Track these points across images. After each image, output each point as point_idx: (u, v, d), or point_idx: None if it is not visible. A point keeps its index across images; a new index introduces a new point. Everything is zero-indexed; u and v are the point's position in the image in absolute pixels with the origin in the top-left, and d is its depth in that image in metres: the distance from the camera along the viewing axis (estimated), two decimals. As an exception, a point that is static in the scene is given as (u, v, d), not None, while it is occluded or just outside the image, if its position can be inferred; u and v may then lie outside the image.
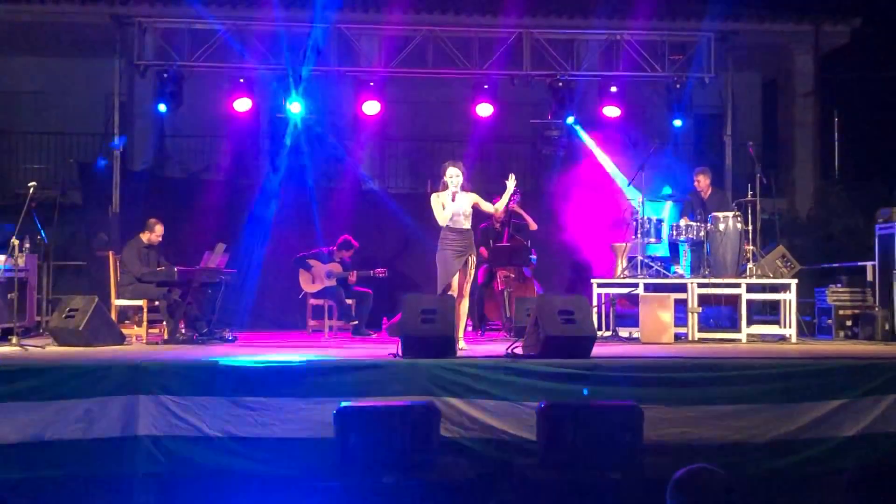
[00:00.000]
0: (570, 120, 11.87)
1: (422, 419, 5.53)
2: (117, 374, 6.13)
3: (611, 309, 9.72)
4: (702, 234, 9.51)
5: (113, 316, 8.84)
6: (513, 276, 10.29)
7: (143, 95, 13.11)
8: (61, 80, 15.20)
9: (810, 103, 14.87)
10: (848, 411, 6.38)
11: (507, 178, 8.20)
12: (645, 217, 9.66)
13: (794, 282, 9.32)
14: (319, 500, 5.29)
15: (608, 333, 9.48)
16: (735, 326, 9.40)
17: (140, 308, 8.99)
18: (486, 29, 12.38)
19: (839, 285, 10.26)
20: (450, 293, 7.74)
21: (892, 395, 6.41)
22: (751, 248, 9.65)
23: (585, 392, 5.45)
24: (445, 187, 7.96)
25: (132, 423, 6.05)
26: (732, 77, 12.40)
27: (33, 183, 8.55)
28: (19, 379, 6.06)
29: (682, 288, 9.20)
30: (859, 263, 10.47)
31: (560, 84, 11.66)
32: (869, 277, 10.10)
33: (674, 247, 10.15)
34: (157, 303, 8.92)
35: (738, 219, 9.48)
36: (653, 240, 9.78)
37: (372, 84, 11.58)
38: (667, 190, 11.18)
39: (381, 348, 7.61)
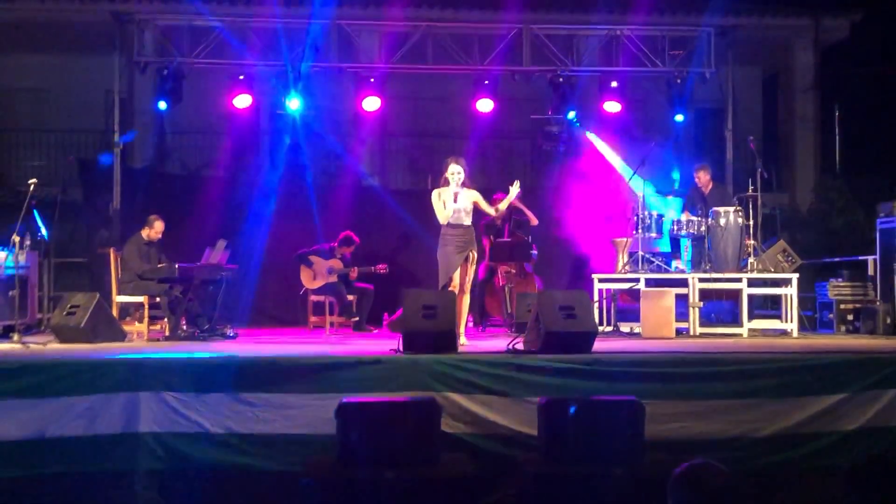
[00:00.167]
0: (572, 115, 11.86)
1: (423, 415, 5.53)
2: (119, 371, 6.14)
3: (612, 304, 9.72)
4: (703, 228, 9.50)
5: (114, 312, 8.84)
6: (514, 271, 10.30)
7: (143, 92, 13.10)
8: (61, 77, 15.20)
9: (811, 97, 14.86)
10: (849, 406, 6.37)
11: (512, 183, 8.20)
12: (646, 212, 9.66)
13: (795, 276, 9.32)
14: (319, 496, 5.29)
15: (609, 328, 9.48)
16: (736, 321, 9.40)
17: (141, 305, 8.99)
18: (485, 24, 12.38)
19: (840, 280, 10.26)
20: (451, 289, 7.73)
21: (893, 390, 6.41)
22: (752, 242, 9.65)
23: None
24: (447, 183, 7.95)
25: (134, 420, 6.05)
26: (733, 72, 12.38)
27: (34, 180, 8.54)
28: (21, 376, 6.06)
29: (683, 283, 9.20)
30: (860, 258, 10.48)
31: (560, 80, 11.64)
32: (870, 272, 10.11)
33: (675, 242, 10.15)
34: (158, 299, 8.92)
35: (739, 213, 9.48)
36: (654, 234, 9.78)
37: (372, 80, 11.56)
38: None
39: (383, 344, 7.61)
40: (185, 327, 9.00)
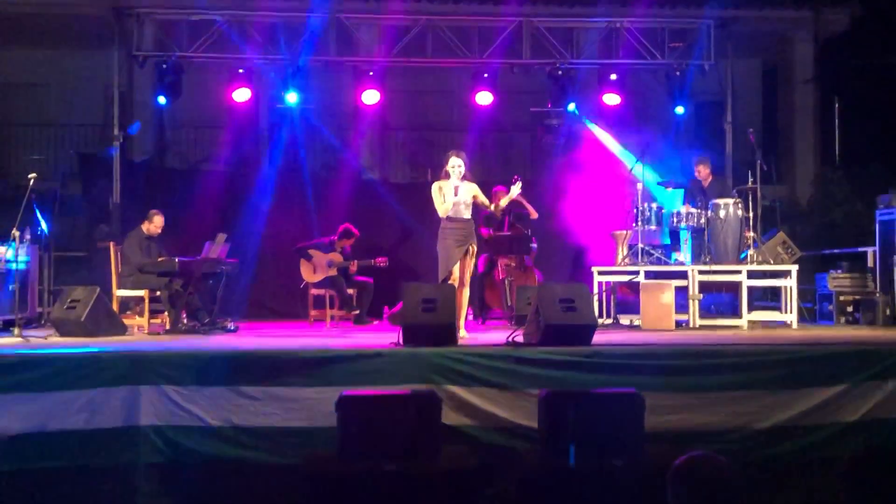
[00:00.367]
0: (572, 107, 11.86)
1: (423, 408, 5.52)
2: (119, 365, 6.14)
3: (611, 296, 9.73)
4: (702, 221, 9.51)
5: (114, 306, 8.85)
6: (514, 264, 10.30)
7: (142, 86, 13.11)
8: (61, 71, 15.18)
9: (810, 90, 14.84)
10: (849, 397, 6.38)
11: (512, 177, 8.19)
12: (645, 204, 9.66)
13: (794, 268, 9.32)
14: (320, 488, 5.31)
15: (609, 321, 9.49)
16: (736, 313, 9.41)
17: (141, 298, 9.00)
18: (485, 17, 12.36)
19: (840, 271, 10.27)
20: (450, 282, 7.74)
21: (893, 381, 6.41)
22: (751, 234, 9.65)
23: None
24: (447, 176, 7.94)
25: (134, 414, 6.05)
26: (732, 64, 12.38)
27: (33, 174, 8.54)
28: (21, 370, 6.06)
29: (682, 275, 9.21)
30: (860, 249, 10.49)
31: (560, 72, 11.64)
32: (870, 263, 10.12)
33: (674, 234, 10.15)
34: (158, 293, 8.93)
35: (739, 206, 9.48)
36: (653, 227, 9.78)
37: (371, 73, 11.56)
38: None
39: (383, 337, 7.62)
40: (185, 321, 9.01)
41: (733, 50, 12.25)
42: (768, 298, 10.75)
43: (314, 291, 10.26)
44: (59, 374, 6.06)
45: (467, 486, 5.40)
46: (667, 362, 6.42)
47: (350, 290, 10.30)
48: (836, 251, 11.14)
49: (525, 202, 10.36)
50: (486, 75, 11.61)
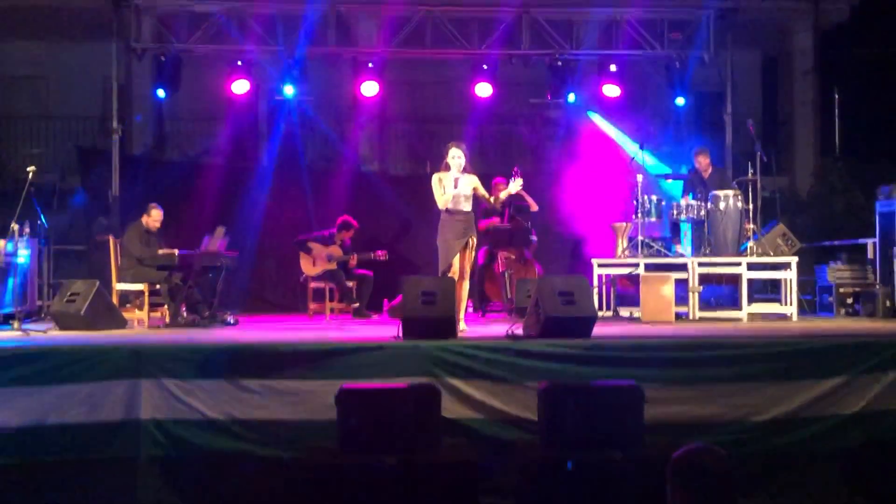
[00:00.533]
0: (572, 97, 11.84)
1: (423, 400, 5.53)
2: (119, 358, 6.14)
3: (611, 289, 9.73)
4: (702, 213, 9.49)
5: (114, 300, 8.84)
6: (513, 257, 10.29)
7: (141, 79, 13.10)
8: (59, 64, 15.16)
9: (810, 80, 14.82)
10: (849, 389, 6.37)
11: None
12: (645, 196, 9.65)
13: (794, 260, 9.32)
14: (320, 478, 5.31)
15: (609, 313, 9.50)
16: (736, 305, 9.40)
17: (141, 292, 9.00)
18: (484, 8, 12.32)
19: (840, 263, 10.27)
20: (450, 275, 7.73)
21: (893, 373, 6.40)
22: (751, 226, 9.64)
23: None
24: (447, 168, 7.91)
25: (135, 407, 6.06)
26: (732, 55, 12.35)
27: (32, 168, 8.53)
28: (21, 364, 6.07)
29: (682, 267, 9.20)
30: (860, 241, 10.48)
31: (559, 63, 11.62)
32: (870, 255, 10.12)
33: (674, 226, 10.14)
34: (158, 286, 8.93)
35: (739, 197, 9.47)
36: (653, 219, 9.78)
37: (370, 65, 11.54)
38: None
39: (382, 330, 7.62)
40: (185, 314, 9.01)
41: (733, 41, 12.22)
42: (768, 290, 10.75)
43: (314, 284, 10.26)
44: (58, 368, 6.06)
45: (467, 478, 5.41)
46: (666, 355, 6.42)
47: (350, 284, 10.30)
48: (836, 243, 11.13)
49: (525, 195, 10.33)
50: (485, 67, 11.59)
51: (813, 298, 10.61)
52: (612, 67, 11.75)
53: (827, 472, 6.27)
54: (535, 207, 10.41)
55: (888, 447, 6.27)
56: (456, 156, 7.83)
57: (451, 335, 6.79)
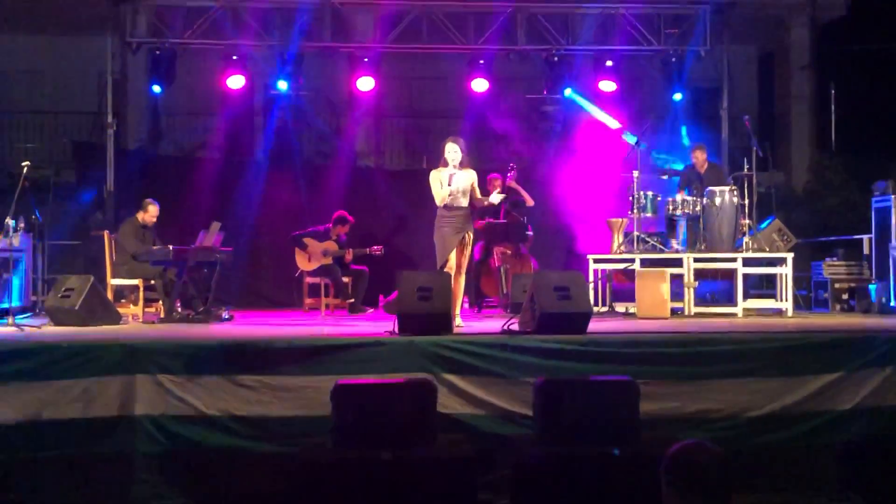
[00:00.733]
0: (568, 92, 11.82)
1: (418, 396, 5.52)
2: (114, 354, 6.12)
3: (607, 284, 9.73)
4: (698, 208, 9.49)
5: (109, 295, 8.83)
6: (509, 252, 10.29)
7: (136, 73, 13.05)
8: (54, 58, 15.13)
9: (807, 76, 14.81)
10: (844, 384, 6.37)
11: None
12: (641, 192, 9.65)
13: (790, 255, 9.33)
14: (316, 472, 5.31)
15: (604, 309, 9.50)
16: (731, 301, 9.41)
17: (136, 287, 8.97)
18: (480, 3, 12.28)
19: (835, 259, 10.29)
20: (446, 270, 7.72)
21: (888, 368, 6.41)
22: (747, 222, 9.65)
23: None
24: (445, 164, 7.90)
25: (129, 403, 6.04)
26: (729, 50, 12.34)
27: (27, 162, 8.50)
28: (15, 359, 6.05)
29: (678, 263, 9.20)
30: (855, 237, 10.50)
31: (556, 59, 11.60)
32: (865, 250, 10.14)
33: (670, 222, 10.15)
34: (153, 282, 8.90)
35: (734, 193, 9.47)
36: (649, 215, 9.78)
37: (366, 60, 11.53)
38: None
39: (378, 326, 7.61)
40: (179, 310, 8.99)
41: (730, 36, 12.22)
42: (764, 286, 10.76)
43: (309, 280, 10.24)
44: (53, 364, 6.04)
45: (463, 473, 5.40)
46: (662, 350, 6.43)
47: (345, 279, 10.28)
48: (831, 238, 11.15)
49: (521, 190, 10.35)
50: (481, 62, 11.59)
51: (808, 294, 10.63)
52: (609, 63, 11.74)
53: (822, 468, 6.27)
54: (530, 203, 10.41)
55: (883, 443, 6.28)
56: (451, 150, 7.81)
57: (447, 330, 6.78)
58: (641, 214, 9.67)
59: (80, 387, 6.00)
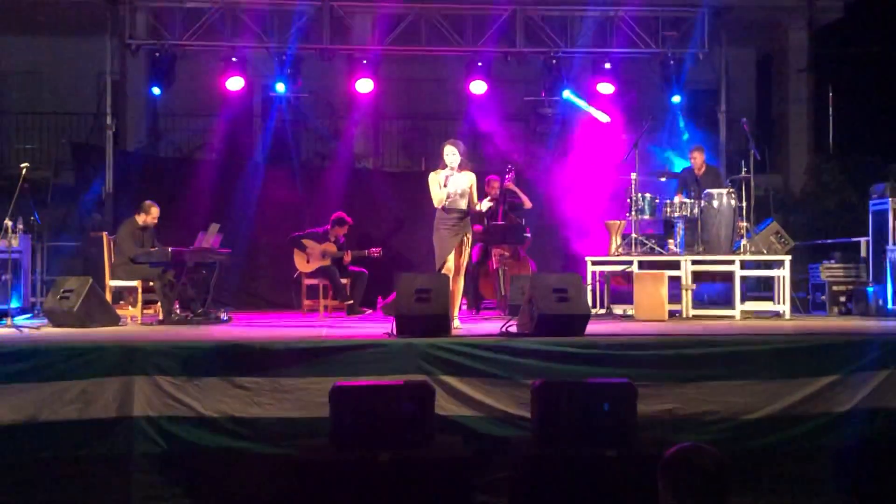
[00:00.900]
0: (566, 94, 11.83)
1: (416, 397, 5.53)
2: (112, 355, 6.13)
3: (605, 286, 9.73)
4: (696, 211, 9.50)
5: (107, 297, 8.83)
6: (508, 254, 10.28)
7: (135, 75, 13.05)
8: (53, 59, 15.12)
9: (804, 78, 14.84)
10: (841, 387, 6.39)
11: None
12: (639, 194, 9.66)
13: (787, 258, 9.34)
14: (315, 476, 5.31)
15: (602, 311, 9.50)
16: (729, 303, 9.42)
17: (135, 289, 8.98)
18: (479, 6, 12.28)
19: (833, 261, 10.30)
20: (444, 272, 7.73)
21: (885, 371, 6.43)
22: (745, 224, 9.66)
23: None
24: (444, 166, 7.91)
25: (128, 404, 6.05)
26: (726, 52, 12.35)
27: (26, 164, 8.51)
28: (14, 360, 6.05)
29: (676, 265, 9.21)
30: (853, 239, 10.51)
31: (554, 61, 11.61)
32: (863, 253, 10.14)
33: (668, 224, 10.16)
34: (151, 283, 8.91)
35: (732, 195, 9.47)
36: (647, 217, 9.79)
37: (365, 62, 11.53)
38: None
39: (376, 327, 7.62)
40: (178, 311, 8.98)
41: (728, 39, 12.22)
42: (761, 288, 10.77)
43: (308, 281, 10.25)
44: (51, 365, 6.05)
45: (460, 475, 5.41)
46: (659, 352, 6.44)
47: (344, 280, 10.28)
48: (829, 241, 11.16)
49: (519, 192, 10.35)
50: (479, 64, 11.59)
51: (806, 296, 10.63)
52: (607, 65, 11.75)
53: (819, 471, 6.28)
54: (528, 205, 10.42)
55: (880, 445, 6.29)
56: (449, 153, 7.83)
57: (446, 332, 6.79)
58: (639, 216, 9.69)
59: (78, 388, 6.01)
